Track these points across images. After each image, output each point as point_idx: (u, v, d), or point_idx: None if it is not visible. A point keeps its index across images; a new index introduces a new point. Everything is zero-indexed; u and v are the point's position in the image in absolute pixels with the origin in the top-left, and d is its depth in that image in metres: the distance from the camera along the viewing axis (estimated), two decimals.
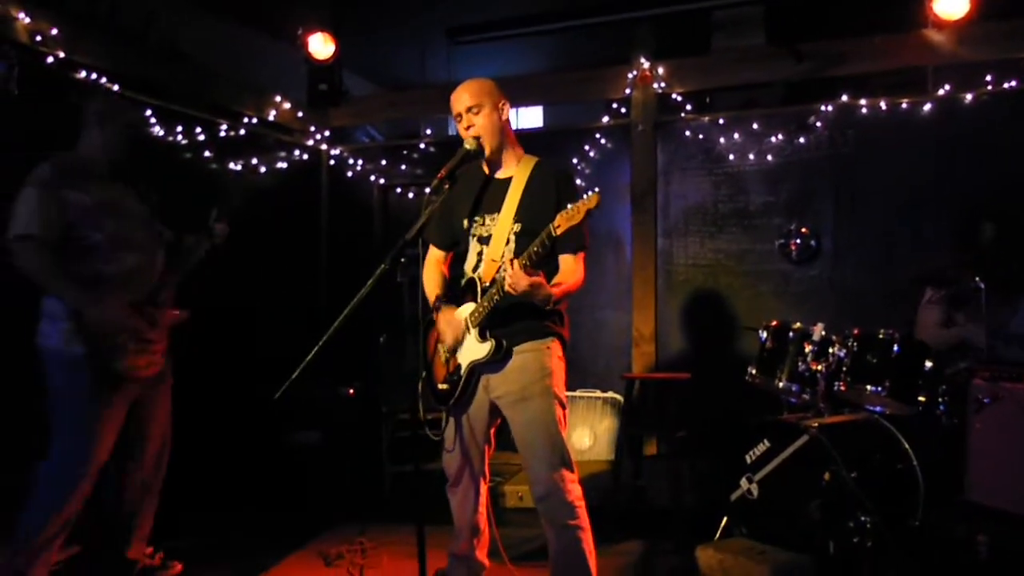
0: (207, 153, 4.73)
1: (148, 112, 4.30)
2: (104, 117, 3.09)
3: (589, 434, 4.90)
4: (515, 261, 2.57)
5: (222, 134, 4.81)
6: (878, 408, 3.75)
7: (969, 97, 4.41)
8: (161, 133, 4.41)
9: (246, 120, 4.99)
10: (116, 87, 4.09)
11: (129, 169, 3.14)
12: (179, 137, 4.53)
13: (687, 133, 5.05)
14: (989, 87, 4.38)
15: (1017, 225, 4.19)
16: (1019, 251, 4.06)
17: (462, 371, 2.82)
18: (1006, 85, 4.34)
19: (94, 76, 4.00)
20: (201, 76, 4.80)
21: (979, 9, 4.16)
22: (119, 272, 2.97)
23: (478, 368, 2.81)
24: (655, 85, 4.97)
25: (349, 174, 5.77)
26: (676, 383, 4.26)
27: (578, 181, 5.15)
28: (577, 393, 4.96)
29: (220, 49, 5.19)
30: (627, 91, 5.05)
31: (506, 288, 2.58)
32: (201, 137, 4.66)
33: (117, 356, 2.92)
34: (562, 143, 5.31)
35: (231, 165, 4.93)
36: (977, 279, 3.66)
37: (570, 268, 2.75)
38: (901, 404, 3.54)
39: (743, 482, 3.60)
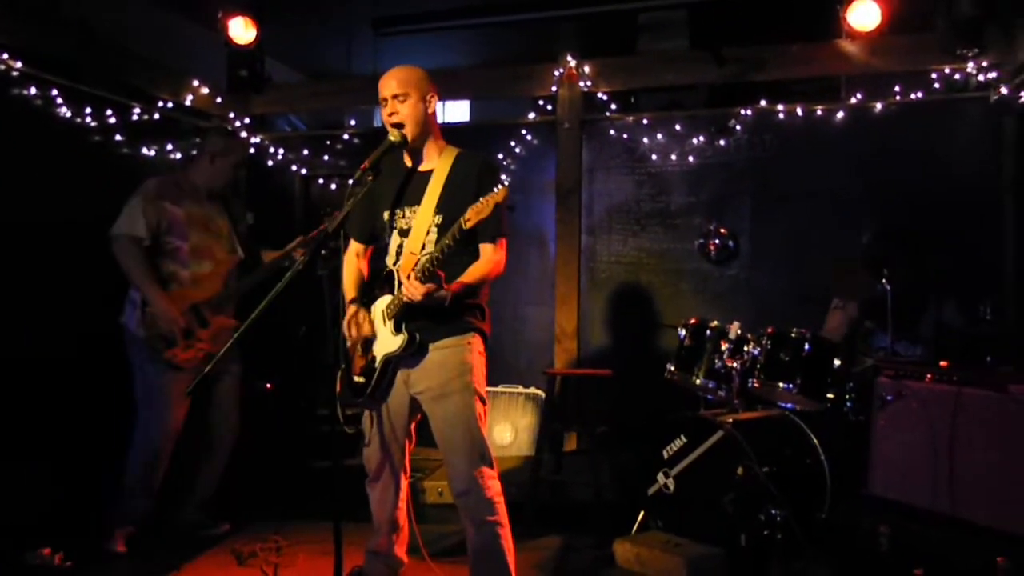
0: (118, 137, 4.53)
1: (54, 92, 4.10)
2: (217, 155, 3.68)
3: (510, 429, 4.91)
4: (411, 273, 2.60)
5: (135, 118, 4.62)
6: (789, 404, 3.87)
7: (879, 106, 4.59)
8: (68, 115, 4.21)
9: (161, 104, 4.81)
10: (19, 64, 3.89)
11: (228, 194, 3.79)
12: (88, 120, 4.33)
13: (612, 132, 5.11)
14: (898, 97, 4.57)
15: (920, 231, 4.39)
16: (925, 256, 4.25)
17: (376, 363, 2.79)
18: (913, 96, 4.54)
19: None
20: (113, 56, 4.58)
21: (890, 22, 4.33)
22: (192, 276, 3.55)
23: (393, 361, 2.78)
24: (581, 83, 5.00)
25: (270, 163, 5.62)
26: (597, 379, 4.31)
27: (504, 177, 5.16)
28: (499, 388, 4.97)
29: (134, 28, 4.98)
30: (553, 88, 5.07)
31: (404, 300, 2.62)
32: (112, 120, 4.46)
33: (165, 345, 3.47)
34: (488, 138, 5.30)
35: (144, 151, 4.75)
36: (884, 282, 3.81)
37: (488, 256, 2.76)
38: (811, 401, 3.67)
39: (660, 477, 3.67)
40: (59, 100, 4.14)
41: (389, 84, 2.75)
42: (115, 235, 3.47)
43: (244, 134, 5.52)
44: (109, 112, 4.44)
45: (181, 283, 3.56)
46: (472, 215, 2.49)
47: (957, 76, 4.47)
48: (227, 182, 3.78)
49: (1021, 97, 4.21)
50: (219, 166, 3.71)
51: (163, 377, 3.53)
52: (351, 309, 2.87)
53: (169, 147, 4.91)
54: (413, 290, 2.56)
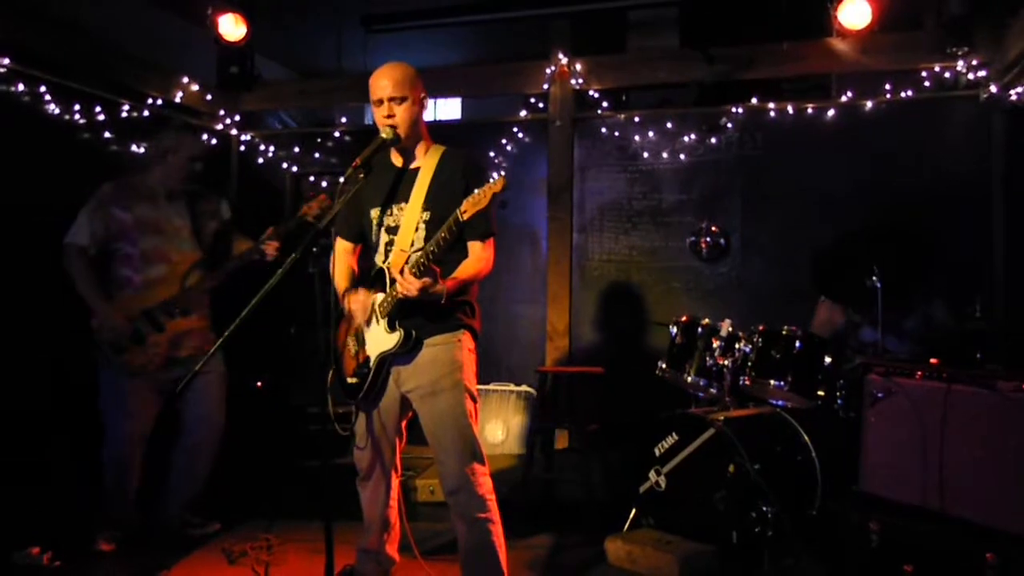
0: (107, 134, 4.50)
1: (43, 88, 4.07)
2: (169, 152, 3.60)
3: (502, 427, 4.91)
4: (405, 268, 2.58)
5: (124, 115, 4.59)
6: (780, 402, 3.88)
7: (869, 105, 4.61)
8: (57, 112, 4.18)
9: (150, 101, 4.78)
10: (6, 60, 3.85)
11: (194, 190, 3.70)
12: (77, 117, 4.30)
13: (603, 130, 5.11)
14: (888, 95, 4.58)
15: (910, 228, 4.41)
16: (915, 254, 4.26)
17: (371, 363, 2.78)
18: (903, 94, 4.55)
19: None
20: (103, 53, 4.56)
21: (880, 21, 4.34)
22: (144, 281, 3.52)
23: (387, 360, 2.77)
24: (573, 81, 5.00)
25: (260, 160, 5.60)
26: (589, 377, 4.31)
27: (496, 175, 5.15)
28: (491, 386, 4.96)
29: (124, 25, 4.94)
30: (545, 86, 5.07)
31: (399, 295, 2.60)
32: (101, 117, 4.43)
33: (115, 352, 3.47)
34: (480, 136, 5.29)
35: (133, 148, 4.72)
36: (874, 279, 3.82)
37: (477, 255, 2.75)
38: (802, 398, 3.67)
39: (651, 474, 3.67)
40: (47, 97, 4.12)
41: (384, 86, 2.73)
42: (63, 244, 3.48)
43: (234, 131, 5.50)
44: (98, 109, 4.41)
45: (135, 288, 3.53)
46: (469, 206, 2.47)
47: (947, 74, 4.48)
48: (184, 178, 3.67)
49: (1010, 95, 4.23)
50: (172, 163, 3.62)
51: (120, 383, 3.52)
52: (352, 295, 2.84)
53: None
54: (408, 284, 2.55)
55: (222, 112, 5.38)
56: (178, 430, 3.73)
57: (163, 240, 3.59)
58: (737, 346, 3.74)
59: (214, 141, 5.36)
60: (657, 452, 3.66)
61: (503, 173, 2.51)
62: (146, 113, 4.72)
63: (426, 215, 2.74)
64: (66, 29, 4.27)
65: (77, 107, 4.29)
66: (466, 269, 2.72)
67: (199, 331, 3.66)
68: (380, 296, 2.77)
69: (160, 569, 3.33)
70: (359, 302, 2.81)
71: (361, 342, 2.84)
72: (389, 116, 2.73)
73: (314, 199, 3.48)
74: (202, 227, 3.73)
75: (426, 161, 2.82)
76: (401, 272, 2.61)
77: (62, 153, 4.22)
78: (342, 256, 2.99)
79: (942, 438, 3.13)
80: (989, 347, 3.56)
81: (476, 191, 2.47)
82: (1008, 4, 4.11)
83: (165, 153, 3.63)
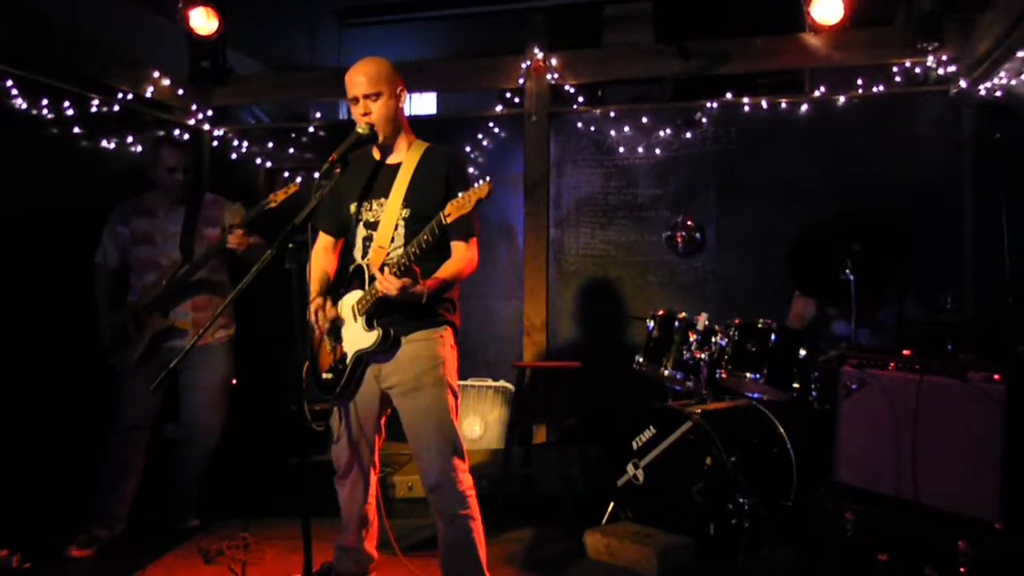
0: (76, 130, 4.43)
1: (9, 83, 3.99)
2: (148, 165, 3.81)
3: (480, 423, 4.91)
4: (386, 267, 2.57)
5: (93, 110, 4.51)
6: (756, 394, 3.92)
7: (842, 99, 4.65)
8: (24, 107, 4.10)
9: (120, 96, 4.70)
10: None
11: (194, 200, 3.86)
12: (45, 112, 4.22)
13: (579, 125, 5.11)
14: (860, 90, 4.63)
15: (883, 222, 4.45)
16: (886, 247, 4.31)
17: (348, 360, 2.77)
18: (875, 89, 4.60)
19: None
20: (71, 46, 4.45)
21: (852, 16, 4.37)
22: (141, 287, 3.75)
23: (365, 357, 2.76)
24: (548, 76, 5.00)
25: (233, 156, 5.54)
26: (566, 371, 4.31)
27: (471, 170, 5.15)
28: (468, 382, 4.96)
29: (92, 17, 4.85)
30: (520, 81, 5.06)
31: (379, 294, 2.59)
32: (70, 112, 4.36)
33: (109, 351, 3.74)
34: (456, 131, 5.27)
35: (103, 144, 4.64)
36: (847, 272, 3.86)
37: (461, 254, 2.74)
38: (777, 390, 3.71)
39: (629, 468, 3.69)
40: (14, 91, 4.04)
41: (359, 83, 2.70)
42: None
43: (206, 127, 5.44)
44: (66, 104, 4.33)
45: (136, 294, 3.77)
46: (453, 210, 2.45)
47: (917, 70, 4.54)
48: (177, 188, 3.78)
49: (979, 90, 4.29)
50: (156, 178, 3.78)
51: (122, 374, 3.71)
52: (317, 301, 2.84)
53: (129, 140, 4.81)
54: (388, 285, 2.53)
55: (194, 107, 5.31)
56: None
57: (153, 249, 3.77)
58: (713, 339, 3.77)
59: (186, 136, 5.30)
60: (635, 445, 3.68)
61: (488, 179, 2.48)
62: (116, 108, 4.64)
63: (406, 212, 2.73)
64: (34, 22, 4.18)
65: (45, 102, 4.21)
66: (448, 269, 2.70)
67: (194, 327, 3.73)
68: (359, 293, 2.75)
69: (134, 570, 3.30)
70: (324, 316, 2.81)
71: (338, 338, 2.82)
72: (366, 114, 2.71)
73: (282, 188, 3.47)
74: (197, 233, 3.82)
75: (408, 157, 2.80)
76: (381, 269, 2.60)
77: (31, 148, 4.15)
78: (320, 254, 2.97)
79: (915, 428, 3.17)
80: (960, 338, 3.61)
81: (461, 195, 2.45)
82: (976, 0, 4.16)
83: (151, 166, 3.79)
